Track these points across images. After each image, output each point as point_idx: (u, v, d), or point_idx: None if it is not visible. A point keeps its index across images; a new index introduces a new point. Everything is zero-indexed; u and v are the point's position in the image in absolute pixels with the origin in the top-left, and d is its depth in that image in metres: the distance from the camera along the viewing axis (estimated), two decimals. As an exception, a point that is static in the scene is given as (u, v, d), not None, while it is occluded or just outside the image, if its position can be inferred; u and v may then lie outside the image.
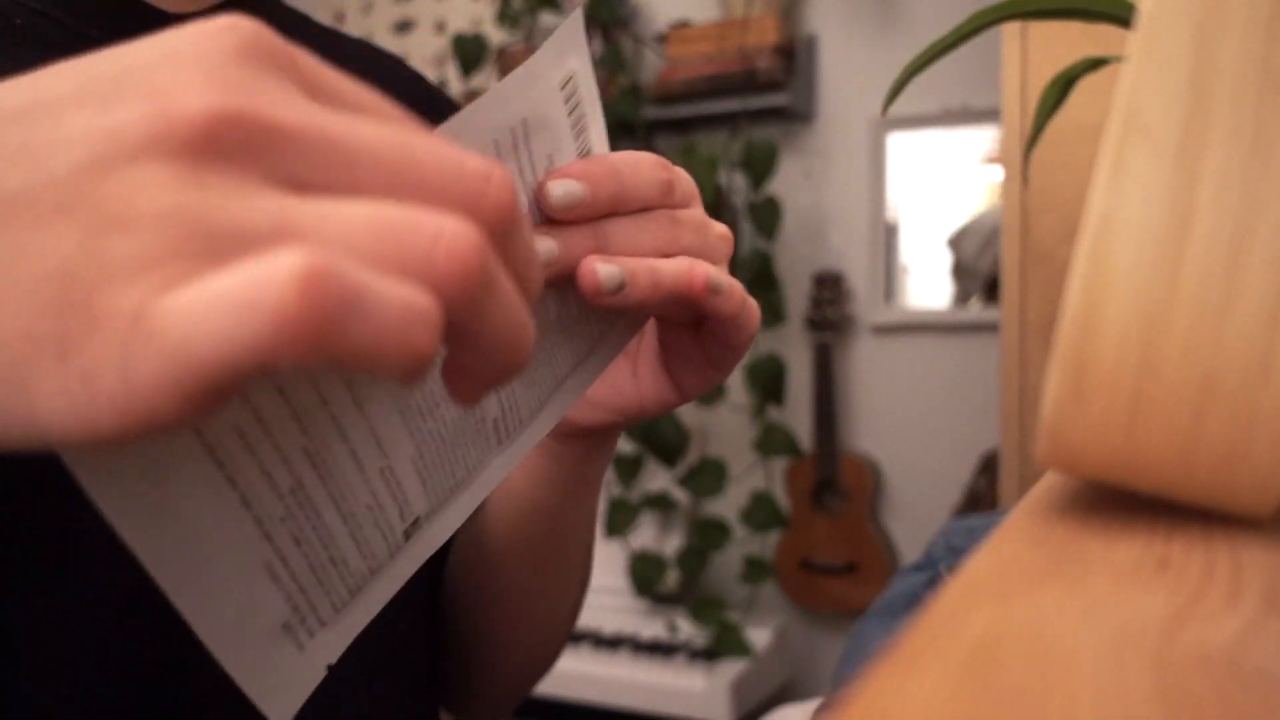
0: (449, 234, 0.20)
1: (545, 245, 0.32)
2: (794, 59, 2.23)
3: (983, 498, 2.01)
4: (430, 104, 0.59)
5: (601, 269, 0.32)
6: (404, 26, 2.77)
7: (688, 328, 0.40)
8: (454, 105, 0.62)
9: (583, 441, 0.46)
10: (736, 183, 2.24)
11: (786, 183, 2.30)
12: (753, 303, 0.38)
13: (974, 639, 0.17)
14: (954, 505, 2.11)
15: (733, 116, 2.20)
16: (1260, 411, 0.22)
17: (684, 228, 0.36)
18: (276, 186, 0.21)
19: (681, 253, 0.35)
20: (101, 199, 0.19)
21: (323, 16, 2.83)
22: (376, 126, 0.22)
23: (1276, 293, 0.22)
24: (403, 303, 0.19)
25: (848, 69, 2.27)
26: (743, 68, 2.15)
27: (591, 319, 0.37)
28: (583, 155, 0.35)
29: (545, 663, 0.59)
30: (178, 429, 0.19)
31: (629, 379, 0.42)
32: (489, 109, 0.29)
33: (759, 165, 2.12)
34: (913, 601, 0.68)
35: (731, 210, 2.24)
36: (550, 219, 0.33)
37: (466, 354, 0.23)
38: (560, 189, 0.32)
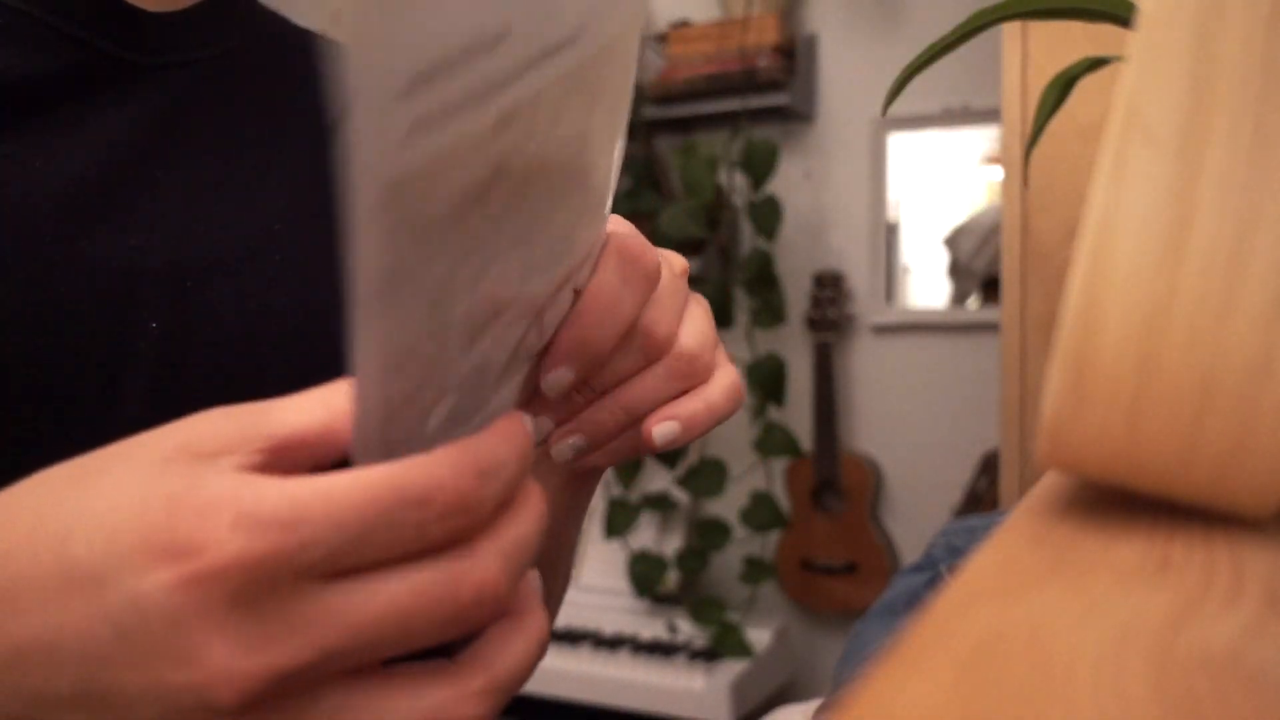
0: None
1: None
2: (794, 59, 2.23)
3: (983, 498, 2.01)
4: None
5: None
6: (404, 26, 2.77)
7: None
8: None
9: (595, 472, 0.48)
10: (736, 183, 2.24)
11: (786, 183, 2.30)
12: (724, 397, 0.39)
13: (974, 639, 0.17)
14: (954, 505, 2.11)
15: (733, 116, 2.20)
16: (1260, 411, 0.22)
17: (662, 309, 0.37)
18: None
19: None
20: None
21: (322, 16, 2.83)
22: (383, 592, 0.24)
23: (1276, 292, 0.22)
24: None
25: (848, 69, 2.27)
26: (743, 67, 2.15)
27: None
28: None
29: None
30: None
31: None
32: None
33: (759, 165, 2.12)
34: (913, 601, 0.68)
35: (731, 210, 2.24)
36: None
37: None
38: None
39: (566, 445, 0.37)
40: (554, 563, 0.53)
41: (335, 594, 0.24)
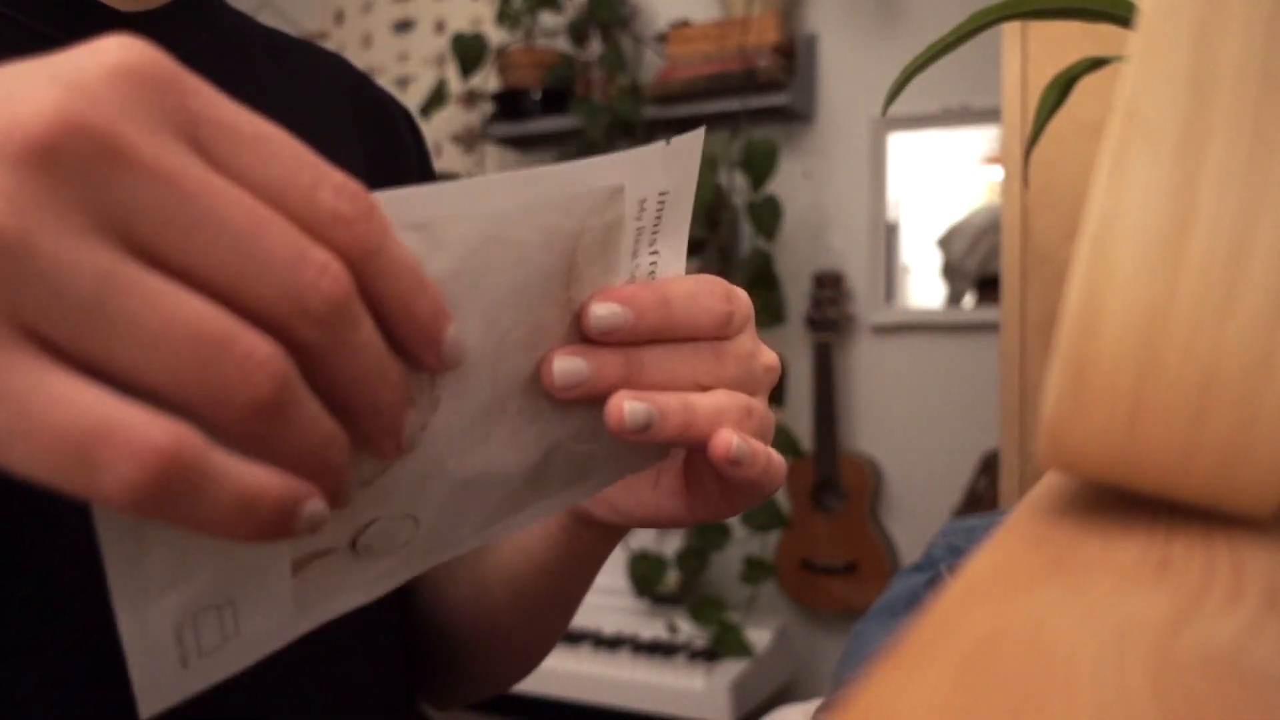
0: (255, 362, 0.21)
1: (575, 365, 0.31)
2: (794, 59, 2.23)
3: (983, 498, 2.01)
4: (376, 105, 0.59)
5: (628, 405, 0.32)
6: (404, 26, 2.77)
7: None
8: (400, 106, 0.61)
9: (598, 530, 0.46)
10: (736, 183, 2.24)
11: (786, 183, 2.30)
12: (777, 461, 0.36)
13: (974, 639, 0.17)
14: (954, 505, 2.11)
15: (733, 116, 2.20)
16: (1260, 411, 0.22)
17: (728, 360, 0.35)
18: (108, 235, 0.20)
19: (722, 386, 0.34)
20: None
21: (322, 16, 2.83)
22: (232, 192, 0.21)
23: (1277, 292, 0.22)
24: (236, 495, 0.20)
25: (848, 69, 2.27)
26: (743, 67, 2.15)
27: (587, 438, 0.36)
28: (637, 276, 0.34)
29: (523, 676, 0.61)
30: None
31: (649, 488, 0.41)
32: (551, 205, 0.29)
33: (759, 165, 2.12)
34: (913, 601, 0.68)
35: (731, 210, 2.24)
36: (588, 339, 0.32)
37: (271, 457, 0.22)
38: (602, 311, 0.32)
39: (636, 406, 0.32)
40: (563, 597, 0.52)
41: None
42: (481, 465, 0.32)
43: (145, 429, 0.19)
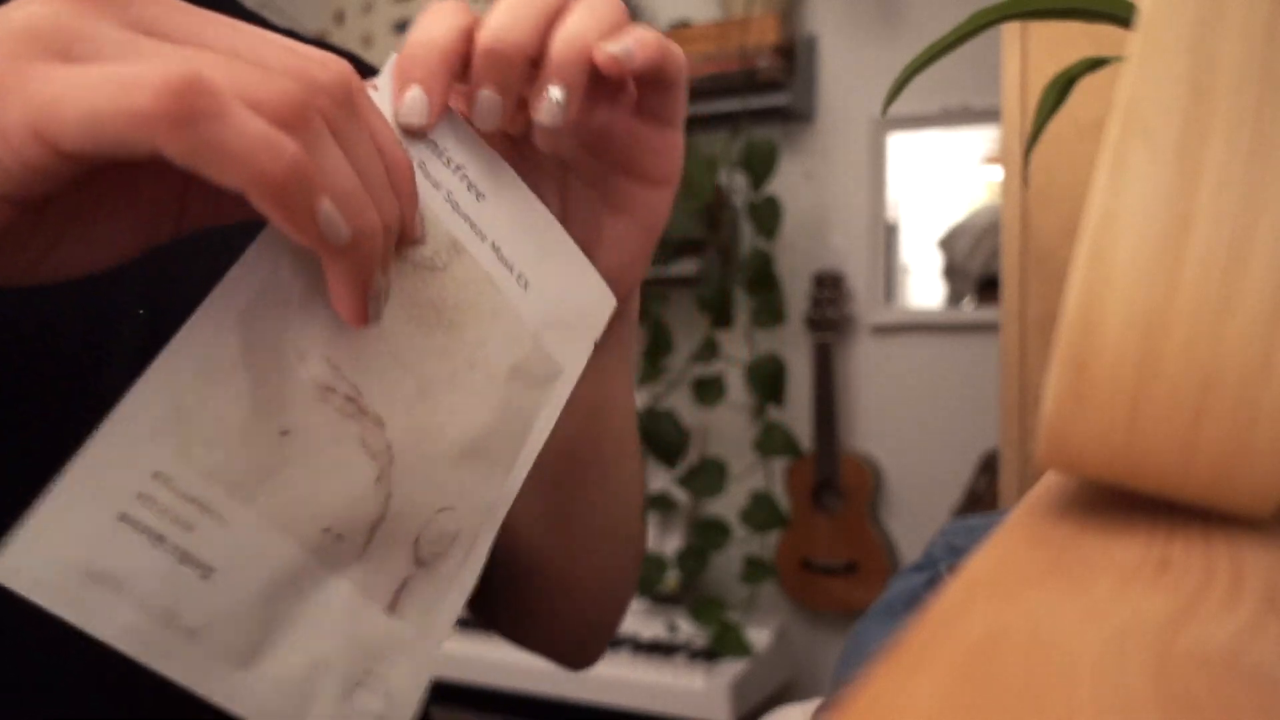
0: (276, 81, 0.25)
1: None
2: (794, 59, 2.22)
3: (983, 498, 2.01)
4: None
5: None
6: (404, 26, 2.77)
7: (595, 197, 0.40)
8: None
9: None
10: (736, 183, 2.24)
11: (786, 183, 2.30)
12: (651, 37, 0.36)
13: (974, 639, 0.17)
14: (954, 505, 2.11)
15: (733, 116, 2.20)
16: (1260, 411, 0.22)
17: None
18: (138, 28, 0.26)
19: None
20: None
21: (322, 17, 2.83)
22: (236, 22, 0.27)
23: (1276, 292, 0.22)
24: (260, 129, 0.24)
25: (848, 69, 2.27)
26: (743, 68, 2.15)
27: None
28: (456, 198, 0.35)
29: (621, 585, 0.56)
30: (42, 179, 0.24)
31: (606, 244, 0.41)
32: None
33: (759, 165, 2.12)
34: (913, 601, 0.68)
35: (731, 210, 2.24)
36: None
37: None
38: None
39: (549, 99, 0.34)
40: (598, 435, 0.49)
41: None
42: (458, 433, 0.33)
43: (168, 60, 0.24)
